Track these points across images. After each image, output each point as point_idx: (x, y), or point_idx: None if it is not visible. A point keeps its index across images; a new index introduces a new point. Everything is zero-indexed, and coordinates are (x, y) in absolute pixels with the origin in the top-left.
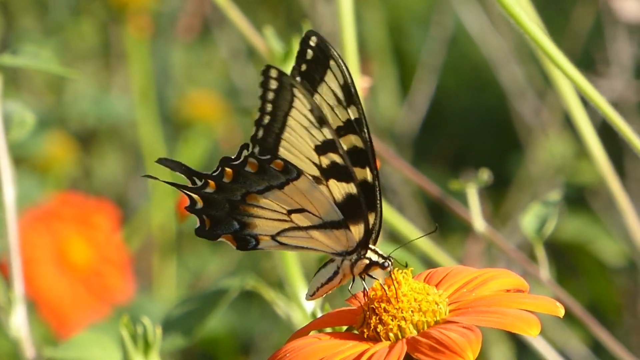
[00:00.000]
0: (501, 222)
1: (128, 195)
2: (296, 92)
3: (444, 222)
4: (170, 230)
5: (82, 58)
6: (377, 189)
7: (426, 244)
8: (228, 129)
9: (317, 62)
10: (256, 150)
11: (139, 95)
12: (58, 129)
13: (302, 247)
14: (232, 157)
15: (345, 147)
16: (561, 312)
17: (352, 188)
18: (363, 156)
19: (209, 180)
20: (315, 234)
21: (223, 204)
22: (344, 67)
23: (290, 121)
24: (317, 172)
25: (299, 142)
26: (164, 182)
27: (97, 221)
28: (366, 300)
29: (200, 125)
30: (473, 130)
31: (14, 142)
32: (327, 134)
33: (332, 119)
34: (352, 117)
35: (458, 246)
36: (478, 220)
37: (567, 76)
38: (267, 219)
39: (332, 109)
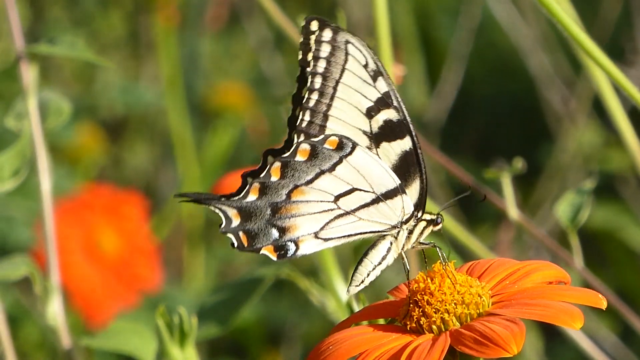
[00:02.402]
0: (530, 211)
1: (157, 184)
2: (350, 48)
3: (473, 210)
4: (199, 219)
5: (111, 48)
6: (420, 155)
7: (458, 232)
8: (256, 118)
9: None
10: (302, 137)
11: (167, 84)
12: (87, 119)
13: (348, 236)
14: (279, 150)
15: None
16: (604, 304)
17: (406, 143)
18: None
19: (254, 186)
20: (365, 214)
21: (264, 210)
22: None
23: (341, 89)
24: (367, 142)
25: (348, 112)
26: (200, 202)
27: (127, 211)
28: (410, 291)
29: (228, 114)
30: (501, 119)
31: (48, 132)
32: (382, 86)
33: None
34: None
35: (488, 235)
36: (512, 209)
37: (598, 64)
38: (311, 213)
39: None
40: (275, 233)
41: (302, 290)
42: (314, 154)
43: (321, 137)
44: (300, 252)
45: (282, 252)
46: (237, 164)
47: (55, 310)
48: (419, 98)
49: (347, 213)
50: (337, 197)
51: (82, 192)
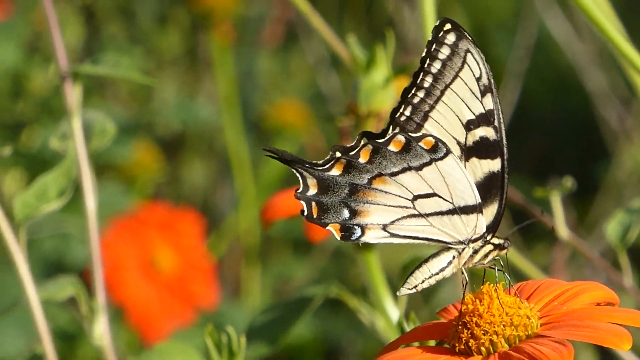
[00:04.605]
0: (587, 229)
1: (214, 201)
2: (469, 57)
3: (528, 230)
4: (256, 237)
5: (168, 65)
6: (506, 179)
7: (511, 253)
8: (312, 135)
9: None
10: (397, 130)
11: (224, 101)
12: (144, 137)
13: (414, 238)
14: (374, 135)
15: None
16: None
17: (495, 165)
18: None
19: (340, 161)
20: (437, 221)
21: (342, 188)
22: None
23: (448, 95)
24: (458, 152)
25: (448, 118)
26: (284, 161)
27: (184, 228)
28: (459, 313)
29: (285, 131)
30: (558, 136)
31: (98, 150)
32: (489, 103)
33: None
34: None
35: (543, 254)
36: (562, 228)
37: None
38: (386, 205)
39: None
40: (346, 213)
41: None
42: (406, 148)
43: (419, 134)
44: (364, 239)
45: (347, 233)
46: (293, 182)
47: (101, 330)
48: None
49: (420, 215)
50: (416, 197)
51: (139, 209)
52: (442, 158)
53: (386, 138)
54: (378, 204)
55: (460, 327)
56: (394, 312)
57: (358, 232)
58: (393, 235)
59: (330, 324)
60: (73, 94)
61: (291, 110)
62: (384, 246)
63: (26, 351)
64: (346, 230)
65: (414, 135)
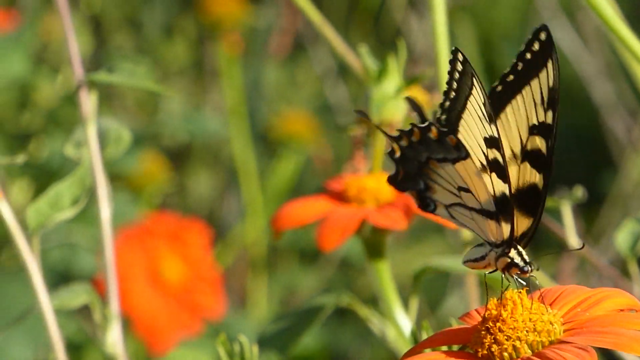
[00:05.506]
0: (594, 239)
1: (221, 212)
2: (475, 81)
3: (536, 239)
4: (263, 247)
5: (174, 75)
6: (544, 197)
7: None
8: (320, 146)
9: (538, 57)
10: (443, 118)
11: (231, 112)
12: (151, 147)
13: (466, 226)
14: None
15: (529, 147)
16: None
17: (506, 189)
18: (541, 161)
19: (416, 131)
20: (476, 216)
21: (413, 161)
22: (556, 71)
23: (469, 105)
24: (484, 161)
25: (474, 126)
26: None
27: (190, 239)
28: (482, 318)
29: (293, 142)
30: (565, 147)
31: (114, 158)
32: (494, 131)
33: (531, 114)
34: (547, 122)
35: (551, 264)
36: (572, 237)
37: None
38: (443, 188)
39: (536, 105)
40: (422, 184)
41: (363, 319)
42: (440, 140)
43: (445, 129)
44: (437, 212)
45: (424, 204)
46: (301, 193)
47: (114, 339)
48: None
49: (465, 206)
50: (459, 189)
51: (146, 219)
52: (464, 158)
53: (425, 125)
54: (439, 184)
55: (483, 332)
56: (405, 322)
57: (432, 205)
58: (452, 217)
59: (337, 335)
60: (88, 102)
61: (298, 121)
62: (395, 255)
63: None
64: (422, 200)
65: (441, 129)
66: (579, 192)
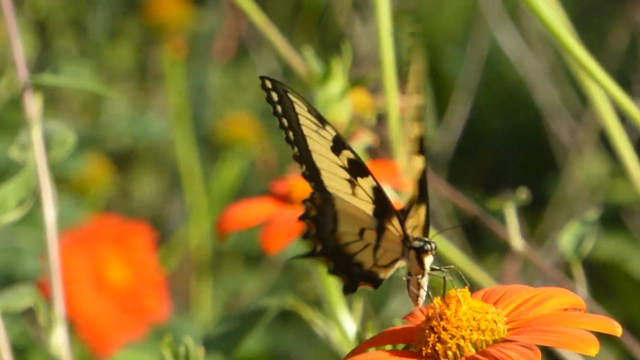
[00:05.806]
0: (537, 242)
1: (165, 215)
2: (291, 96)
3: (479, 242)
4: (207, 250)
5: (118, 78)
6: (424, 181)
7: (464, 263)
8: (264, 149)
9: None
10: (303, 167)
11: (175, 116)
12: (95, 150)
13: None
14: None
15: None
16: (619, 331)
17: (371, 180)
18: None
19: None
20: (385, 243)
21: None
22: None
23: (305, 129)
24: (347, 175)
25: (320, 148)
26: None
27: (135, 242)
28: (426, 317)
29: (237, 145)
30: (509, 150)
31: (54, 163)
32: (331, 129)
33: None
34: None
35: (495, 266)
36: (516, 239)
37: (605, 91)
38: (353, 243)
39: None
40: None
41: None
42: (324, 201)
43: (312, 194)
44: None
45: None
46: (245, 196)
47: (59, 341)
48: (426, 130)
49: (375, 247)
50: (360, 232)
51: (90, 222)
52: (334, 203)
53: (308, 197)
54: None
55: (427, 331)
56: (350, 323)
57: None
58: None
59: (281, 337)
60: (33, 104)
61: (242, 124)
62: None
63: None
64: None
65: (310, 198)
66: (523, 194)
